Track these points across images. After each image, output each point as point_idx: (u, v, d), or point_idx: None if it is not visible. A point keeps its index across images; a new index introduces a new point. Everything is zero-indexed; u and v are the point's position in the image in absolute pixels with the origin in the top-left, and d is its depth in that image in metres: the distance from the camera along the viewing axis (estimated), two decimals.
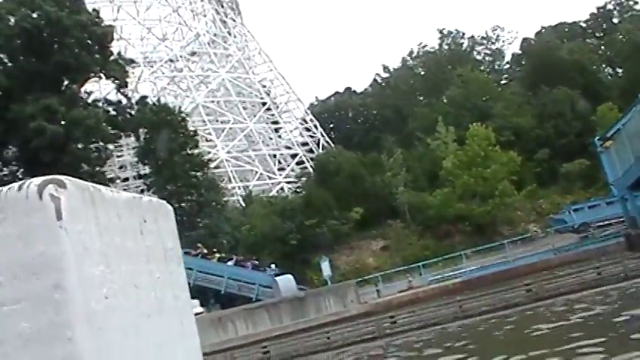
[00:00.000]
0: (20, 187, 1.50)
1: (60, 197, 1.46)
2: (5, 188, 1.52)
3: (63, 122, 51.95)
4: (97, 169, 57.54)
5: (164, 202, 1.98)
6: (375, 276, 42.51)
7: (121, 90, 61.21)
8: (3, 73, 53.32)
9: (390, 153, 57.23)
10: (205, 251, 47.04)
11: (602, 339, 12.36)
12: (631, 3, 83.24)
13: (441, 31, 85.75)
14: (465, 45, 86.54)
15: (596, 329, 13.56)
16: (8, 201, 1.49)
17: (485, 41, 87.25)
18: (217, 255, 45.66)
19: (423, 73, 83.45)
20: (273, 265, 45.33)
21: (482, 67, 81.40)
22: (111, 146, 61.55)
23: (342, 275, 46.23)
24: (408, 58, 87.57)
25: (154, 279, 1.77)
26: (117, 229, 1.62)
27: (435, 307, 26.04)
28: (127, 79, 61.52)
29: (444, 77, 73.01)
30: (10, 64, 55.41)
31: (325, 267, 43.79)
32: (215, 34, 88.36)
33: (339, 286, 39.44)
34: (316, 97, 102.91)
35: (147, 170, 57.74)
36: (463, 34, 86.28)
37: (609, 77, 74.20)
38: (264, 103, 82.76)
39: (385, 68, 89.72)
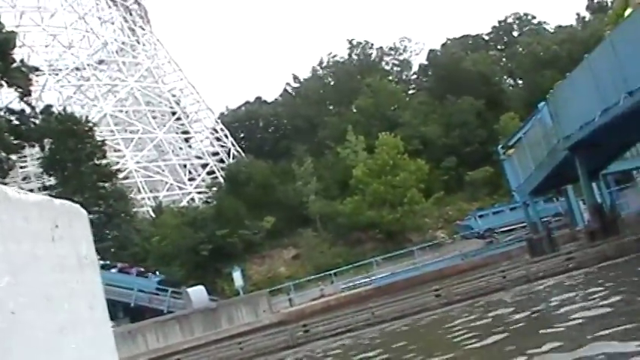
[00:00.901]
0: None
1: None
2: None
3: None
4: None
5: (78, 205, 1.80)
6: (287, 285, 42.63)
7: (25, 98, 59.32)
8: None
9: (301, 162, 57.60)
10: (126, 265, 46.84)
11: (507, 335, 12.85)
12: (529, 17, 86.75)
13: (350, 41, 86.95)
14: (373, 55, 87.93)
15: (505, 327, 14.07)
16: None
17: (393, 52, 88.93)
18: (101, 262, 44.74)
19: (332, 82, 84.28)
20: (157, 272, 45.79)
21: (390, 77, 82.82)
22: (14, 157, 59.52)
23: (254, 285, 46.18)
24: (318, 67, 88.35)
25: (68, 289, 1.60)
26: (25, 234, 1.45)
27: (347, 314, 26.31)
28: (31, 88, 59.67)
29: (353, 87, 73.98)
30: None
31: (237, 277, 43.61)
32: (123, 42, 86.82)
33: (252, 296, 39.38)
34: (227, 107, 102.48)
35: (53, 181, 56.08)
36: (372, 44, 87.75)
37: (511, 88, 76.91)
38: (173, 113, 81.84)
39: (295, 78, 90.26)
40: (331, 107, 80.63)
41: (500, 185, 50.52)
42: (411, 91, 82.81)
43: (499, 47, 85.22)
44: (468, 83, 65.07)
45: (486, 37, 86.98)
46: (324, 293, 39.31)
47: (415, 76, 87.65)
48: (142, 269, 45.66)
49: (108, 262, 45.52)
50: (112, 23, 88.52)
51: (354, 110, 69.88)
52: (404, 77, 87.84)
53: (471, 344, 12.95)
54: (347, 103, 72.39)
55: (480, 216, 47.62)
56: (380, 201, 50.83)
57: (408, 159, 52.05)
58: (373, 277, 40.43)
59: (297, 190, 54.81)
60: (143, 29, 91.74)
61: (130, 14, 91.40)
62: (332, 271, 43.28)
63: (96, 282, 1.82)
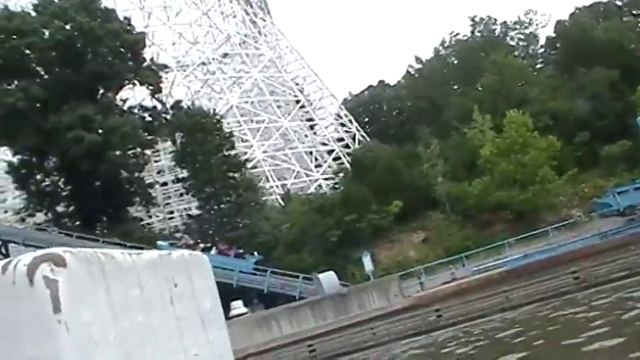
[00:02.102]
0: (5, 268, 1.14)
1: (57, 280, 1.12)
2: None
3: (100, 130, 52.59)
4: (136, 174, 58.20)
5: (198, 253, 1.62)
6: (417, 269, 42.11)
7: (156, 95, 61.79)
8: (40, 85, 54.15)
9: (427, 144, 56.75)
10: (191, 242, 48.78)
11: None
12: None
13: (472, 19, 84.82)
14: (497, 31, 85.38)
15: None
16: None
17: (518, 26, 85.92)
18: (201, 245, 48.19)
19: (456, 61, 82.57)
20: (255, 253, 46.47)
21: (516, 53, 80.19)
22: (148, 151, 62.15)
23: (384, 270, 45.95)
24: (440, 47, 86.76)
25: (190, 357, 1.43)
26: (139, 304, 1.29)
27: (480, 298, 25.63)
28: (161, 85, 62.08)
29: (477, 65, 72.03)
30: (46, 76, 56.24)
31: (367, 262, 43.58)
32: (246, 35, 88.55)
33: (382, 281, 39.26)
34: (349, 92, 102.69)
35: (185, 174, 58.07)
36: (495, 20, 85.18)
37: None
38: (297, 101, 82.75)
39: (417, 59, 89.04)
40: (455, 87, 79.00)
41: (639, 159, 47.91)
42: (538, 66, 79.85)
43: (634, 12, 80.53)
44: (600, 53, 61.79)
45: (619, 3, 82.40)
46: (455, 276, 38.60)
47: (542, 50, 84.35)
48: (241, 251, 46.48)
49: (208, 245, 48.01)
50: (234, 17, 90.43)
51: (479, 89, 68.06)
52: (530, 52, 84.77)
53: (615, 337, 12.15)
54: (471, 82, 70.62)
55: (620, 192, 45.12)
56: (509, 181, 49.33)
57: (538, 136, 50.17)
58: (505, 259, 39.22)
59: (424, 172, 54.04)
60: (264, 20, 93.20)
61: (251, 7, 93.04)
62: (462, 254, 42.40)
63: (223, 338, 1.61)
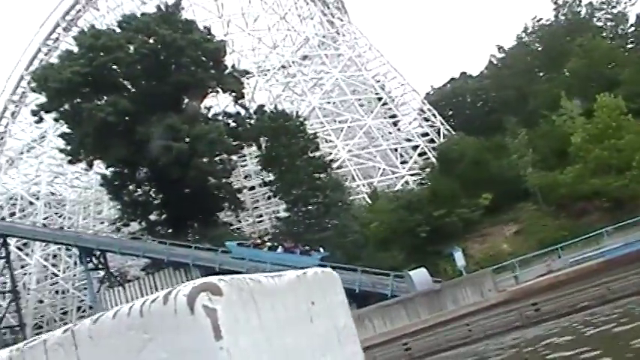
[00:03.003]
0: (166, 299, 1.20)
1: (216, 308, 1.17)
2: (148, 300, 1.23)
3: (187, 139, 53.68)
4: (224, 180, 59.16)
5: (329, 270, 1.61)
6: (510, 262, 41.12)
7: (239, 101, 62.71)
8: (127, 98, 55.67)
9: (514, 134, 55.42)
10: (259, 241, 49.19)
11: None
12: None
13: (555, 2, 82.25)
14: (582, 12, 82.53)
15: None
16: (153, 317, 1.20)
17: (605, 6, 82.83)
18: (268, 244, 48.90)
19: (540, 48, 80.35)
20: (321, 249, 46.99)
21: (604, 34, 77.43)
22: (234, 157, 63.08)
23: (477, 264, 45.12)
24: (523, 34, 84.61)
25: None
26: (284, 325, 1.31)
27: (579, 290, 24.73)
28: (243, 90, 62.97)
29: (563, 49, 69.89)
30: (132, 90, 57.82)
31: (458, 257, 42.93)
32: (324, 36, 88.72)
33: (475, 276, 38.58)
34: (431, 86, 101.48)
35: (271, 177, 58.62)
36: (580, 1, 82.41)
37: None
38: (379, 98, 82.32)
39: (500, 48, 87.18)
40: (541, 74, 76.92)
41: None
42: (629, 46, 76.89)
43: None
44: None
45: None
46: (551, 269, 37.50)
47: (632, 29, 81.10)
48: (307, 248, 47.28)
49: (275, 244, 48.78)
50: (312, 19, 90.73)
51: (566, 74, 66.05)
52: (619, 32, 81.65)
53: None
54: (557, 68, 68.56)
55: None
56: (604, 167, 47.53)
57: (632, 119, 48.20)
58: (604, 249, 37.78)
59: (513, 163, 52.74)
60: (341, 20, 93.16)
61: (328, 7, 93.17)
62: (558, 245, 41.11)
63: (357, 353, 1.63)
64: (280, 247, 47.93)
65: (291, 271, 1.47)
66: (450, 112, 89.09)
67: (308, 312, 1.42)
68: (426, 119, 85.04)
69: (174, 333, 1.16)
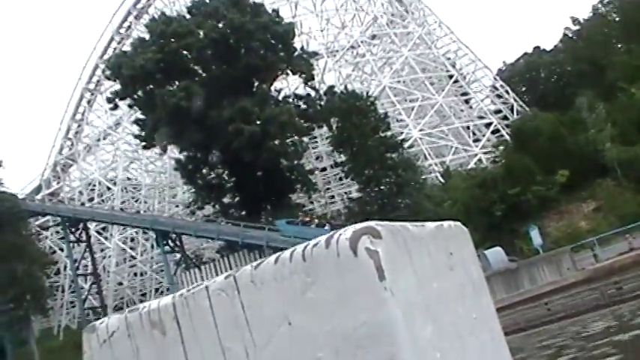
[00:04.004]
0: (328, 243, 1.27)
1: (377, 250, 1.22)
2: (310, 245, 1.31)
3: (258, 122, 54.06)
4: (295, 162, 59.37)
5: (459, 224, 1.63)
6: (590, 240, 39.99)
7: (309, 83, 62.71)
8: (199, 83, 56.31)
9: (592, 108, 53.77)
10: (307, 219, 51.58)
11: None
12: None
13: None
14: None
15: None
16: (316, 261, 1.27)
17: None
18: (316, 221, 50.19)
19: (618, 18, 77.67)
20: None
21: None
22: (305, 139, 63.19)
23: (554, 242, 44.10)
24: (599, 5, 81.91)
25: (471, 322, 1.52)
26: (431, 271, 1.38)
27: None
28: (313, 72, 62.89)
29: None
30: (204, 74, 58.46)
31: (535, 235, 42.11)
32: (392, 14, 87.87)
33: (553, 254, 37.78)
34: (504, 62, 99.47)
35: (343, 158, 58.52)
36: None
37: None
38: (450, 76, 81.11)
39: (575, 20, 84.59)
40: (619, 46, 74.31)
41: None
42: None
43: None
44: None
45: None
46: (632, 246, 36.29)
47: None
48: (324, 222, 49.53)
49: (323, 222, 50.64)
50: None
51: None
52: None
53: None
54: (636, 39, 66.10)
55: None
56: None
57: None
58: None
59: (590, 138, 51.20)
60: None
61: None
62: (639, 222, 39.76)
63: (489, 304, 1.73)
64: (328, 224, 48.71)
65: (428, 222, 1.48)
66: (524, 89, 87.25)
67: (448, 261, 1.48)
68: (499, 96, 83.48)
69: (338, 275, 1.22)
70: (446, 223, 1.55)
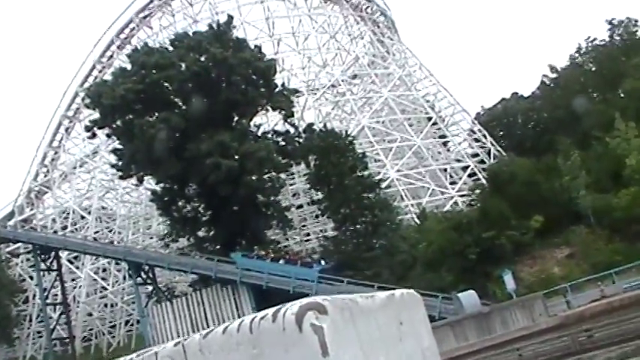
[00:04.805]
0: (275, 317, 1.29)
1: (322, 326, 1.25)
2: (258, 317, 1.32)
3: (236, 156, 54.04)
4: (272, 198, 59.26)
5: (411, 291, 1.65)
6: (562, 286, 40.20)
7: (288, 120, 62.92)
8: (178, 115, 56.33)
9: (567, 156, 54.39)
10: (262, 253, 52.83)
11: None
12: None
13: (610, 22, 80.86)
14: (639, 33, 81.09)
15: None
16: (263, 334, 1.29)
17: None
18: (271, 255, 51.65)
19: (594, 68, 79.08)
20: (322, 261, 50.39)
21: None
22: (283, 175, 63.21)
23: (527, 287, 44.23)
24: (576, 54, 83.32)
25: None
26: (379, 344, 1.37)
27: (636, 317, 23.99)
28: (293, 109, 63.16)
29: (618, 70, 68.58)
30: (184, 107, 58.50)
31: (508, 280, 42.21)
32: (374, 55, 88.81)
33: (526, 299, 37.82)
34: (482, 106, 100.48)
35: (319, 195, 58.53)
36: (636, 21, 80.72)
37: None
38: (429, 118, 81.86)
39: (552, 68, 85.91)
40: (595, 95, 75.60)
41: None
42: None
43: None
44: None
45: None
46: (604, 294, 36.53)
47: None
48: (309, 260, 51.08)
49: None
50: (362, 38, 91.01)
51: (621, 95, 64.75)
52: None
53: None
54: (612, 89, 67.34)
55: None
56: None
57: None
58: None
59: (565, 185, 51.72)
60: (391, 39, 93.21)
61: (378, 27, 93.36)
62: (612, 270, 40.05)
63: None
64: (282, 259, 50.42)
65: (380, 292, 1.50)
66: (501, 133, 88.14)
67: (398, 331, 1.46)
68: (477, 140, 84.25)
69: (283, 349, 1.23)
70: (398, 292, 1.55)
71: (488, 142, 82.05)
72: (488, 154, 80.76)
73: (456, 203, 67.80)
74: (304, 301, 1.25)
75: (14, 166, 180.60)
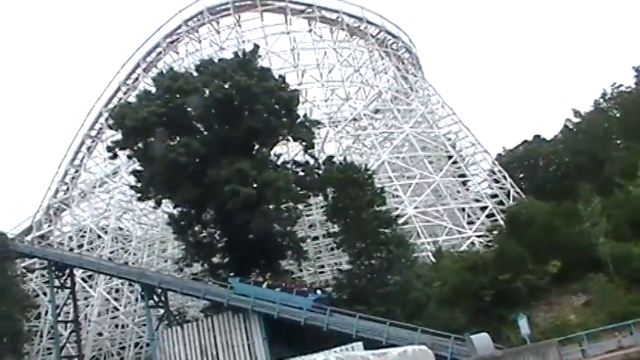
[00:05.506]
0: None
1: None
2: None
3: (255, 185, 54.05)
4: (288, 228, 59.10)
5: (424, 347, 1.59)
6: (579, 334, 39.50)
7: (308, 151, 62.92)
8: (199, 141, 56.55)
9: (587, 201, 53.86)
10: (260, 279, 52.98)
11: None
12: None
13: (637, 69, 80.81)
14: None
15: None
16: None
17: None
18: (268, 282, 51.92)
19: (618, 114, 78.75)
20: (318, 291, 50.86)
21: None
22: (300, 206, 63.07)
23: (541, 333, 43.52)
24: (601, 100, 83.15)
25: None
26: None
27: None
28: (314, 140, 63.20)
29: None
30: (205, 133, 58.74)
31: (523, 324, 41.54)
32: (397, 91, 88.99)
33: (540, 345, 37.18)
34: (503, 147, 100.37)
35: (336, 228, 58.29)
36: None
37: None
38: (450, 157, 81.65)
39: (576, 113, 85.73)
40: (618, 141, 75.19)
41: None
42: None
43: None
44: None
45: None
46: (621, 345, 35.86)
47: None
48: (305, 289, 51.22)
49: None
50: (386, 73, 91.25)
51: None
52: None
53: None
54: (636, 136, 66.91)
55: None
56: None
57: None
58: None
59: (585, 231, 51.08)
60: (415, 76, 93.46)
61: (402, 63, 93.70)
62: (630, 321, 39.32)
63: None
64: (279, 287, 50.47)
65: (392, 349, 1.47)
66: (521, 175, 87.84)
67: None
68: (496, 180, 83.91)
69: None
70: (410, 349, 1.52)
71: (508, 184, 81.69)
72: (508, 195, 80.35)
73: (472, 243, 67.32)
74: (319, 358, 1.23)
75: (35, 182, 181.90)
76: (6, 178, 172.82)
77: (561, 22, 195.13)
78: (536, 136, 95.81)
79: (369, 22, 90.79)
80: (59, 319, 70.59)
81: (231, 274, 54.17)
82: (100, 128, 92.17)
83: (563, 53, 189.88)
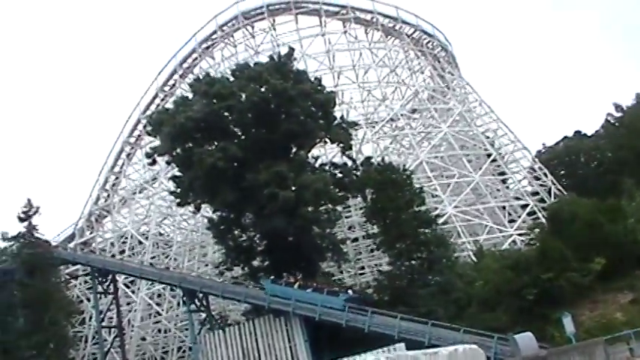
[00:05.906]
0: None
1: None
2: None
3: (293, 187, 54.11)
4: (327, 230, 59.09)
5: (474, 346, 1.44)
6: (626, 333, 38.70)
7: (346, 152, 62.84)
8: (237, 145, 56.82)
9: (631, 197, 52.85)
10: (291, 280, 53.37)
11: None
12: None
13: None
14: None
15: None
16: None
17: None
18: (299, 282, 52.37)
19: None
20: (349, 291, 51.62)
21: None
22: (339, 208, 62.98)
23: (587, 332, 42.71)
24: None
25: None
26: None
27: None
28: (351, 142, 63.13)
29: None
30: (243, 137, 59.02)
31: (567, 323, 40.84)
32: (434, 90, 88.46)
33: (586, 345, 36.56)
34: (543, 144, 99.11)
35: (375, 229, 58.07)
36: None
37: None
38: (489, 155, 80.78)
39: (617, 107, 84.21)
40: None
41: None
42: None
43: None
44: None
45: None
46: None
47: None
48: (336, 289, 52.03)
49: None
50: (422, 72, 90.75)
51: None
52: None
53: None
54: None
55: None
56: None
57: None
58: None
59: (629, 227, 50.10)
60: (452, 75, 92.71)
61: (439, 61, 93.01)
62: None
63: None
64: (310, 287, 50.85)
65: (443, 348, 1.37)
66: (562, 172, 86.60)
67: None
68: (537, 178, 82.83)
69: None
70: (461, 348, 1.39)
71: (549, 181, 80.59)
72: (549, 192, 79.26)
73: (514, 242, 66.51)
74: (369, 358, 1.20)
75: (77, 190, 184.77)
76: (49, 186, 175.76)
77: (602, 13, 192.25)
78: (577, 132, 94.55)
79: (403, 22, 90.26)
80: (103, 324, 71.50)
81: (272, 277, 54.35)
82: (139, 135, 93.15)
83: (604, 46, 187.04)
